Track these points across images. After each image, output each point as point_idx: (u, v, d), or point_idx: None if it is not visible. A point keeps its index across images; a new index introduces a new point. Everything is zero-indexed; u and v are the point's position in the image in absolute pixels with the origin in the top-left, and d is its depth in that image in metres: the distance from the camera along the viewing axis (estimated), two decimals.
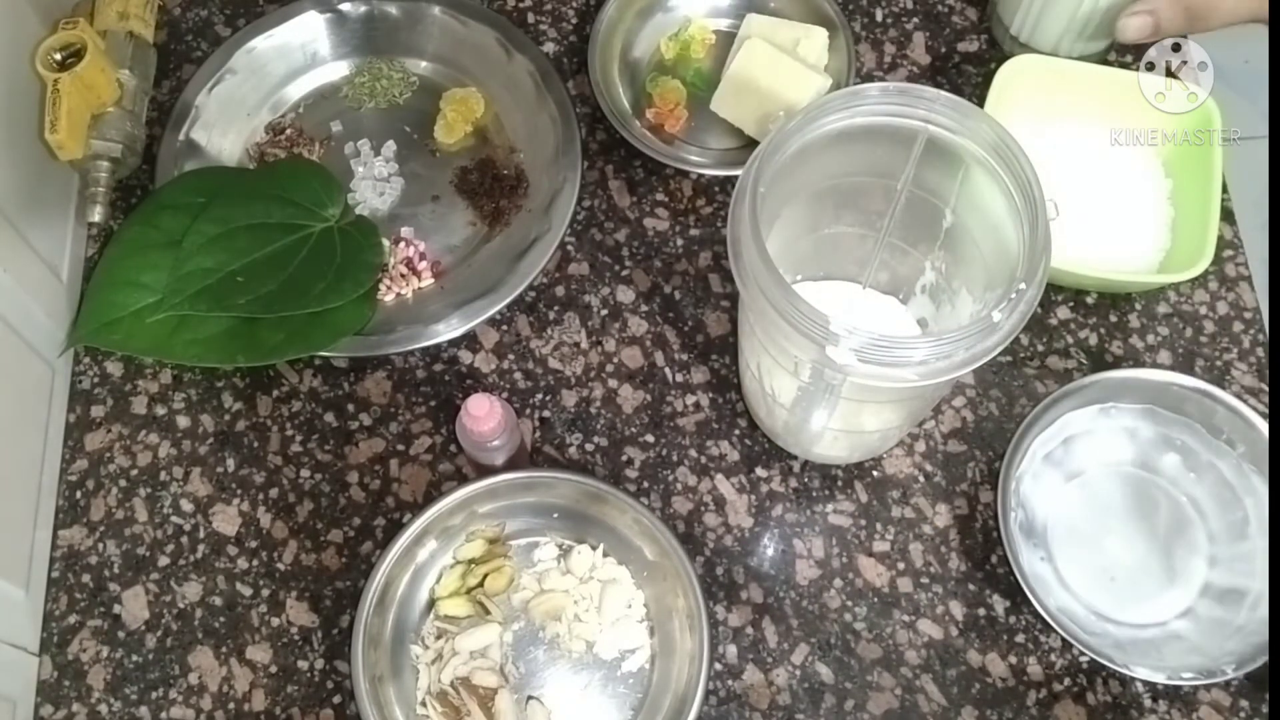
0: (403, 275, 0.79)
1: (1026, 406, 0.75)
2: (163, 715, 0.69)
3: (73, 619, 0.71)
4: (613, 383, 0.77)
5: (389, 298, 0.79)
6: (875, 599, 0.71)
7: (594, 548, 0.70)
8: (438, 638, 0.69)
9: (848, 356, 0.54)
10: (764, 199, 0.57)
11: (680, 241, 0.82)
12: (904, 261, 0.71)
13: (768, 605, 0.71)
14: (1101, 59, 0.85)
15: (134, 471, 0.75)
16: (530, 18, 0.89)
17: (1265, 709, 0.68)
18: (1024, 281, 0.55)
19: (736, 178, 0.64)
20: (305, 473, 0.75)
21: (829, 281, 0.74)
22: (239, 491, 0.74)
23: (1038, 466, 0.73)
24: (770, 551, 0.73)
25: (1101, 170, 0.80)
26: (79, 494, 0.74)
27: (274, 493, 0.74)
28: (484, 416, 0.64)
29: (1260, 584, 0.68)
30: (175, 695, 0.69)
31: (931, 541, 0.73)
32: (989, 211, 0.61)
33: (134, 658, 0.70)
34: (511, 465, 0.69)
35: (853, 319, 0.54)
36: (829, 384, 0.58)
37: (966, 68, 0.87)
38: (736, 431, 0.76)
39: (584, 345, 0.78)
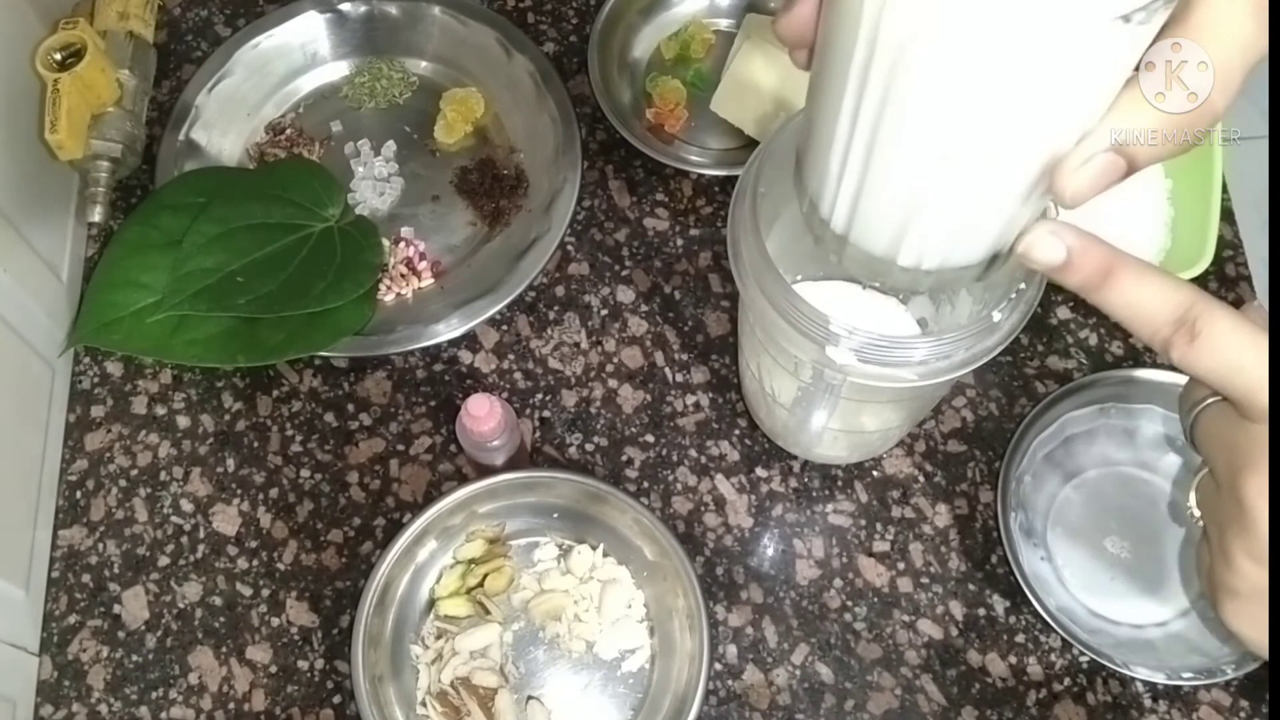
0: (403, 275, 0.79)
1: (1026, 406, 0.75)
2: (163, 715, 0.69)
3: (73, 619, 0.71)
4: (613, 383, 0.77)
5: (389, 298, 0.79)
6: (875, 599, 0.71)
7: (594, 548, 0.70)
8: (438, 638, 0.69)
9: (848, 356, 0.54)
10: (764, 199, 0.57)
11: (680, 241, 0.82)
12: None
13: (768, 605, 0.71)
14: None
15: (134, 471, 0.75)
16: (530, 18, 0.89)
17: (1265, 709, 0.68)
18: (1024, 281, 0.55)
19: (736, 178, 0.64)
20: (305, 473, 0.75)
21: (829, 281, 0.74)
22: (239, 491, 0.74)
23: (1038, 466, 0.73)
24: (770, 551, 0.73)
25: None
26: (79, 494, 0.74)
27: (274, 493, 0.74)
28: (484, 416, 0.64)
29: None
30: (175, 695, 0.69)
31: (931, 541, 0.73)
32: None
33: (134, 658, 0.70)
34: (511, 465, 0.69)
35: (853, 319, 0.54)
36: (829, 384, 0.58)
37: None
38: (736, 431, 0.76)
39: (584, 345, 0.78)
